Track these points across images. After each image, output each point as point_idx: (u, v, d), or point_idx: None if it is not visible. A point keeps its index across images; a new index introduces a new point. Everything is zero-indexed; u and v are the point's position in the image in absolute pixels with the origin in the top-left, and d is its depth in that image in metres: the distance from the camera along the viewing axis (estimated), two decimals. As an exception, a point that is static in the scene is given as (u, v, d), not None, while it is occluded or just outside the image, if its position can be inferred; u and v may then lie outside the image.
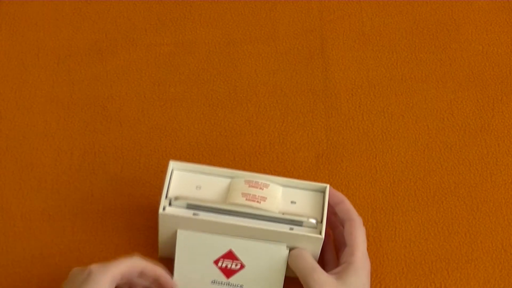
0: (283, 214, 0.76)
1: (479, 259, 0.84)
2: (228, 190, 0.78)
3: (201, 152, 0.90)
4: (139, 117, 0.92)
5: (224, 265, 0.76)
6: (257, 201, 0.76)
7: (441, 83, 0.96)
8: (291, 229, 0.76)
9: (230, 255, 0.76)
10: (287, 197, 0.79)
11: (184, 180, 0.79)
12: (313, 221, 0.76)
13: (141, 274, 0.74)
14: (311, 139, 0.91)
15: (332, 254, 0.81)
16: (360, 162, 0.90)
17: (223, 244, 0.76)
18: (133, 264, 0.73)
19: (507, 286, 0.83)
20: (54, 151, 0.89)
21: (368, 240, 0.84)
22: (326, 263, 0.80)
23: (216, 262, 0.76)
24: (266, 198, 0.77)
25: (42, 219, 0.85)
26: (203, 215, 0.76)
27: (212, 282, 0.77)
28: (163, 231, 0.79)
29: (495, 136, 0.93)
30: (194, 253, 0.76)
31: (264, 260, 0.76)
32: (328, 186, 0.79)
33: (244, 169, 0.88)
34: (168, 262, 0.83)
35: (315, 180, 0.88)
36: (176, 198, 0.77)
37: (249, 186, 0.77)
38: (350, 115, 0.93)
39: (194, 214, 0.76)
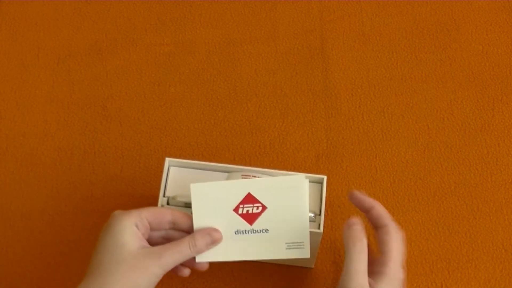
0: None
1: (479, 258, 0.84)
2: None
3: (201, 152, 0.90)
4: (139, 117, 0.92)
5: (245, 210, 0.73)
6: None
7: (441, 83, 0.96)
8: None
9: (249, 199, 0.73)
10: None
11: (181, 177, 0.79)
12: (312, 214, 0.76)
13: (174, 224, 0.72)
14: (311, 139, 0.91)
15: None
16: (360, 162, 0.90)
17: (240, 189, 0.72)
18: (160, 211, 0.72)
19: (508, 286, 0.83)
20: (54, 151, 0.89)
21: (368, 239, 0.84)
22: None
23: (236, 209, 0.73)
24: None
25: (42, 219, 0.85)
26: None
27: (236, 232, 0.73)
28: None
29: (495, 136, 0.93)
30: (211, 205, 0.73)
31: (285, 195, 0.72)
32: (325, 177, 0.78)
33: (244, 169, 0.89)
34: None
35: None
36: (174, 197, 0.77)
37: None
38: (350, 115, 0.93)
39: (191, 212, 0.76)
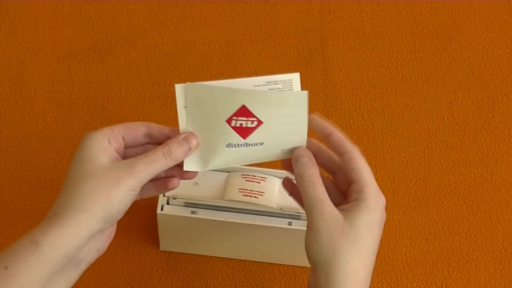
0: (281, 209, 0.76)
1: (479, 258, 0.84)
2: (225, 185, 0.78)
3: (201, 152, 0.90)
4: (139, 117, 0.92)
5: (238, 124, 0.65)
6: (255, 196, 0.76)
7: (441, 83, 0.96)
8: (290, 223, 0.76)
9: (243, 112, 0.65)
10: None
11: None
12: None
13: (149, 136, 0.67)
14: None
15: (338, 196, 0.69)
16: (360, 162, 0.90)
17: (234, 99, 0.65)
18: (133, 124, 0.66)
19: (508, 286, 0.83)
20: (54, 151, 0.89)
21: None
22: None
23: (228, 121, 0.65)
24: (263, 192, 0.76)
25: (42, 219, 0.85)
26: (201, 213, 0.76)
27: (228, 145, 0.66)
28: (162, 229, 0.79)
29: (495, 136, 0.93)
30: (199, 112, 0.66)
31: (282, 111, 0.66)
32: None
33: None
34: (170, 255, 0.84)
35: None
36: (174, 197, 0.77)
37: (246, 181, 0.77)
38: (350, 115, 0.93)
39: (192, 212, 0.76)
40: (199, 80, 0.95)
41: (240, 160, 0.67)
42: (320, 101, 0.94)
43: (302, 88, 0.96)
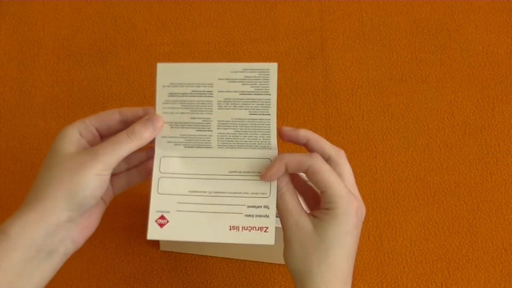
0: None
1: (479, 258, 0.84)
2: None
3: (201, 152, 0.90)
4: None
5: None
6: None
7: (441, 83, 0.96)
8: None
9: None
10: None
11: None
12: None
13: (124, 122, 0.67)
14: (311, 139, 0.91)
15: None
16: (360, 162, 0.90)
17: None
18: (106, 113, 0.66)
19: (508, 286, 0.83)
20: (54, 151, 0.89)
21: (368, 239, 0.84)
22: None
23: None
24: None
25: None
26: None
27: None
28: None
29: (495, 136, 0.93)
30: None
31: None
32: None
33: (244, 169, 0.89)
34: (170, 255, 0.84)
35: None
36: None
37: None
38: (350, 115, 0.93)
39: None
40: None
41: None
42: (320, 101, 0.94)
43: (302, 88, 0.96)
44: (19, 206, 0.63)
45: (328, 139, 0.91)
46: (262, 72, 0.70)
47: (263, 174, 0.66)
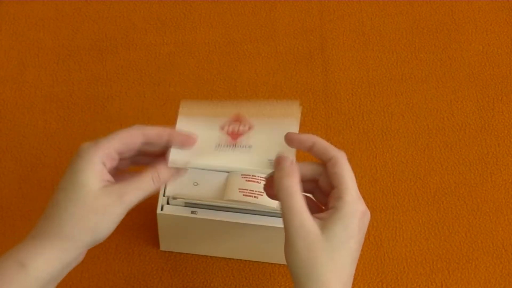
0: (280, 208, 0.76)
1: (479, 258, 0.84)
2: (225, 185, 0.78)
3: (201, 152, 0.90)
4: (139, 117, 0.92)
5: (230, 129, 0.69)
6: (255, 196, 0.76)
7: (441, 83, 0.96)
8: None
9: (237, 118, 0.70)
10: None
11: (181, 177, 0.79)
12: None
13: (146, 143, 0.67)
14: (311, 139, 0.91)
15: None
16: (360, 162, 0.90)
17: (230, 109, 0.69)
18: (131, 136, 0.66)
19: (508, 286, 0.83)
20: (54, 151, 0.89)
21: (368, 239, 0.84)
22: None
23: (221, 127, 0.70)
24: (263, 192, 0.76)
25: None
26: (201, 213, 0.76)
27: (216, 146, 0.69)
28: (163, 229, 0.79)
29: (495, 136, 0.93)
30: (196, 124, 0.69)
31: (274, 120, 0.69)
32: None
33: (244, 169, 0.89)
34: (170, 255, 0.84)
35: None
36: (174, 197, 0.77)
37: (246, 181, 0.77)
38: (350, 115, 0.93)
39: (192, 212, 0.76)
40: (199, 80, 0.95)
41: (226, 163, 0.68)
42: (320, 101, 0.94)
43: (302, 88, 0.96)
44: (33, 230, 0.63)
45: (328, 139, 0.91)
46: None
47: (288, 135, 0.67)
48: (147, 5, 1.00)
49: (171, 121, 0.92)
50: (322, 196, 0.68)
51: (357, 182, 0.89)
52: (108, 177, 0.65)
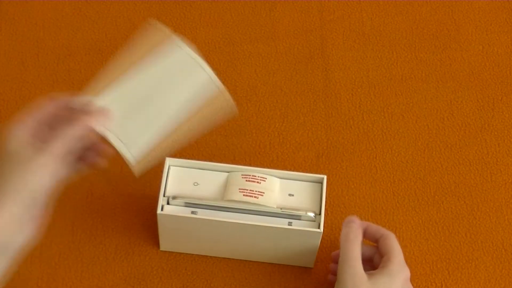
0: (281, 209, 0.76)
1: (479, 258, 0.84)
2: (226, 185, 0.78)
3: (201, 152, 0.90)
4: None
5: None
6: (255, 196, 0.76)
7: (441, 83, 0.96)
8: (290, 223, 0.76)
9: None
10: (285, 189, 0.79)
11: (182, 177, 0.79)
12: (312, 214, 0.76)
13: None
14: (311, 138, 0.91)
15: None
16: (360, 162, 0.90)
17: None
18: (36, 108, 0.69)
19: (508, 286, 0.83)
20: (54, 151, 0.89)
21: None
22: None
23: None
24: (263, 192, 0.77)
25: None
26: (202, 213, 0.76)
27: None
28: (163, 229, 0.79)
29: (495, 136, 0.93)
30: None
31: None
32: (325, 177, 0.79)
33: (244, 168, 0.89)
34: (170, 255, 0.84)
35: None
36: (174, 197, 0.77)
37: (246, 181, 0.77)
38: (350, 115, 0.93)
39: (192, 212, 0.76)
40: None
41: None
42: (320, 101, 0.94)
43: (302, 88, 0.96)
44: None
45: (328, 139, 0.91)
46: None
47: (348, 219, 0.77)
48: (147, 5, 1.00)
49: (171, 121, 0.92)
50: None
51: (357, 182, 0.89)
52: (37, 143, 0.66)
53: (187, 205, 0.77)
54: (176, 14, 1.00)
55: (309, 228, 0.76)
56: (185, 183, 0.78)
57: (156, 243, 0.83)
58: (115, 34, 0.98)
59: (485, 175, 0.90)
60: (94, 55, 0.96)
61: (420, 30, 1.00)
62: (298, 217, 0.76)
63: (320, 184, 0.79)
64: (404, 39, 0.99)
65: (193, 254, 0.83)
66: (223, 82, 0.95)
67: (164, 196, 0.77)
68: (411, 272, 0.83)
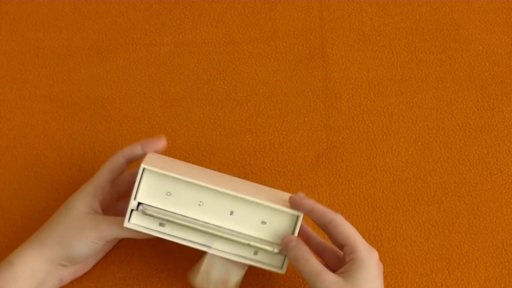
0: (248, 243, 0.74)
1: (479, 258, 0.84)
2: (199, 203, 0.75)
3: (201, 152, 0.90)
4: (139, 117, 0.92)
5: None
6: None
7: (441, 83, 0.96)
8: (256, 253, 0.75)
9: None
10: (259, 215, 0.75)
11: (156, 184, 0.74)
12: (278, 250, 0.75)
13: (128, 160, 0.80)
14: (311, 138, 0.91)
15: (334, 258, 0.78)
16: (360, 162, 0.90)
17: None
18: (112, 160, 0.79)
19: (508, 286, 0.83)
20: (54, 151, 0.89)
21: (368, 239, 0.84)
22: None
23: None
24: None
25: (42, 219, 0.85)
26: (168, 230, 0.75)
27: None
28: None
29: (495, 136, 0.93)
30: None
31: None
32: (301, 215, 0.75)
33: (244, 168, 0.89)
34: (170, 255, 0.83)
35: (315, 180, 0.88)
36: (144, 211, 0.73)
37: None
38: (350, 115, 0.93)
39: (160, 224, 0.75)
40: (199, 80, 0.95)
41: None
42: (320, 101, 0.94)
43: (302, 88, 0.96)
44: (29, 238, 0.77)
45: (328, 139, 0.91)
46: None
47: (291, 198, 0.75)
48: (147, 5, 1.00)
49: (170, 121, 0.92)
50: (332, 258, 0.76)
51: (357, 182, 0.89)
52: (97, 207, 0.77)
53: (158, 217, 0.74)
54: (176, 14, 1.00)
55: (271, 268, 0.75)
56: (158, 191, 0.74)
57: (156, 243, 0.83)
58: (115, 34, 0.98)
59: (485, 175, 0.90)
60: (94, 55, 0.96)
61: (420, 30, 1.00)
62: (265, 250, 0.75)
63: (296, 217, 0.75)
64: (404, 39, 0.99)
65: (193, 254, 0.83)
66: (223, 82, 0.96)
67: (134, 199, 0.74)
68: (411, 272, 0.83)
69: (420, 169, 0.90)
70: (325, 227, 0.74)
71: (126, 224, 0.74)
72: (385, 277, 0.82)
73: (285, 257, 0.76)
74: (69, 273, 0.78)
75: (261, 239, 0.75)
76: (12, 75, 0.94)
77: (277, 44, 0.98)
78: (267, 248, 0.74)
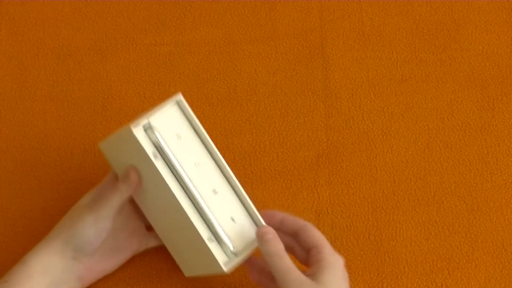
0: (208, 239, 0.74)
1: (479, 258, 0.84)
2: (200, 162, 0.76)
3: (201, 152, 0.90)
4: (139, 117, 0.92)
5: None
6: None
7: (441, 83, 0.96)
8: (211, 239, 0.74)
9: None
10: (234, 209, 0.76)
11: (175, 120, 0.76)
12: (233, 250, 0.74)
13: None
14: (311, 138, 0.91)
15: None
16: (360, 162, 0.90)
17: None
18: (105, 187, 0.80)
19: (508, 286, 0.83)
20: (54, 151, 0.89)
21: (369, 239, 0.85)
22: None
23: None
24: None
25: (42, 219, 0.85)
26: (158, 163, 0.73)
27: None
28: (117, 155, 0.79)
29: (495, 136, 0.93)
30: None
31: None
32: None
33: (244, 168, 0.89)
34: (170, 255, 0.84)
35: (315, 180, 0.88)
36: (146, 129, 0.73)
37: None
38: (350, 115, 0.93)
39: (153, 154, 0.73)
40: (199, 80, 0.95)
41: None
42: (320, 101, 0.94)
43: (302, 88, 0.96)
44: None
45: (328, 139, 0.91)
46: None
47: (262, 213, 0.77)
48: (147, 5, 1.00)
49: (171, 121, 0.92)
50: (301, 253, 0.76)
51: (357, 182, 0.89)
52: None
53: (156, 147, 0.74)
54: (176, 14, 1.00)
55: (218, 262, 0.73)
56: (170, 129, 0.75)
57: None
58: (115, 34, 0.98)
59: (485, 175, 0.90)
60: (94, 55, 0.96)
61: (420, 30, 1.00)
62: (221, 242, 0.74)
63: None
64: (404, 39, 0.99)
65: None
66: (223, 82, 0.96)
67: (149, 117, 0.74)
68: (411, 272, 0.83)
69: (420, 169, 0.90)
70: (296, 233, 0.75)
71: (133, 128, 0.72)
72: (385, 277, 0.83)
73: (233, 263, 0.74)
74: (86, 271, 0.77)
75: (225, 231, 0.74)
76: (12, 75, 0.94)
77: (277, 44, 0.98)
78: (227, 243, 0.74)
